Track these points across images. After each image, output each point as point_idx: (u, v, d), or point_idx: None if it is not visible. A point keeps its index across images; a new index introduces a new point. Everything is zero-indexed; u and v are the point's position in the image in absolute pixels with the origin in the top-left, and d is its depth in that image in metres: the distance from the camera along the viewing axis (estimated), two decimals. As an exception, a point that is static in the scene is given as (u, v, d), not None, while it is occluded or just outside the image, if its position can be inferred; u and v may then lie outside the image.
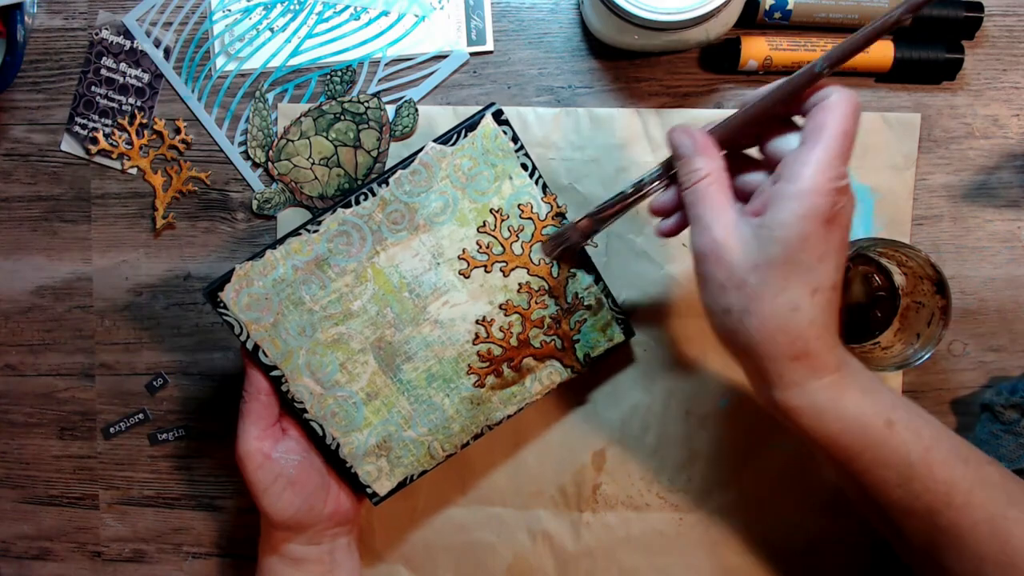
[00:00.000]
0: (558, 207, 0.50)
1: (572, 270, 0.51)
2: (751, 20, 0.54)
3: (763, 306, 0.38)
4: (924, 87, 0.56)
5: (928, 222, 0.56)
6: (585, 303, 0.51)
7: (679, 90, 0.56)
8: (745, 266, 0.38)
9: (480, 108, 0.50)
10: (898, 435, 0.40)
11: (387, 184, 0.49)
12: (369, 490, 0.52)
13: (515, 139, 0.49)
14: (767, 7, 0.54)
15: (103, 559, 0.60)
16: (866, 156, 0.56)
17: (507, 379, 0.52)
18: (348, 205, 0.49)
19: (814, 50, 0.54)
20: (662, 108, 0.56)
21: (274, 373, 0.50)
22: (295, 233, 0.49)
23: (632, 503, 0.58)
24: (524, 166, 0.50)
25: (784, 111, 0.41)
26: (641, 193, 0.45)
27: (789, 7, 0.54)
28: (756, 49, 0.54)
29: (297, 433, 0.51)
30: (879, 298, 0.55)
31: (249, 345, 0.49)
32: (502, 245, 0.50)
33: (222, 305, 0.49)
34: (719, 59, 0.56)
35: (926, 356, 0.50)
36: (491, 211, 0.50)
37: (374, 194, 0.49)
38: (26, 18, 0.55)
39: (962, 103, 0.56)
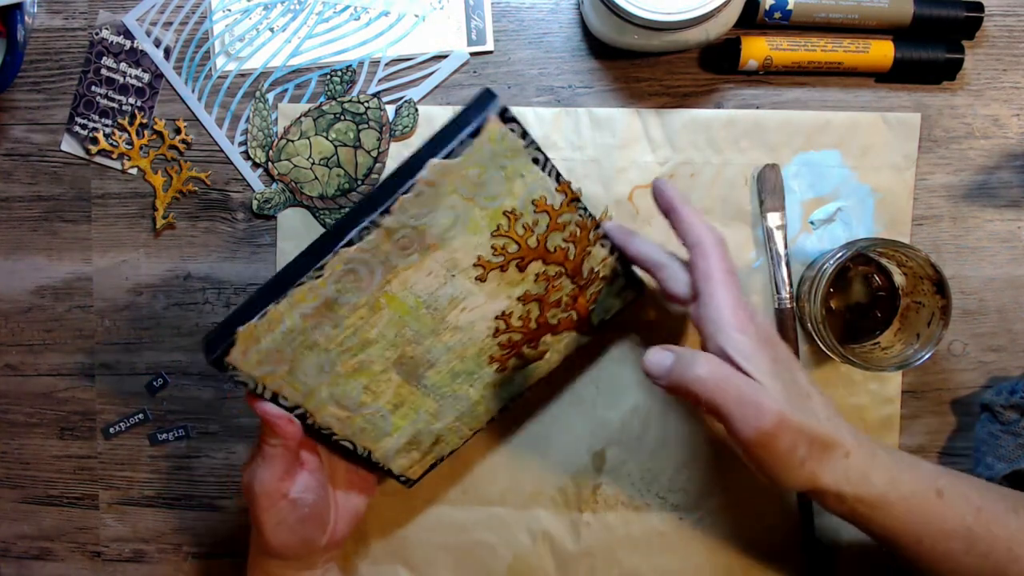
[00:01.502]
0: (573, 192, 0.47)
1: (588, 248, 0.49)
2: (751, 20, 0.54)
3: (811, 410, 0.42)
4: (924, 87, 0.56)
5: (928, 222, 0.56)
6: (600, 275, 0.51)
7: (679, 90, 0.56)
8: (788, 407, 0.41)
9: (475, 99, 0.44)
10: (951, 502, 0.43)
11: (390, 213, 0.43)
12: (403, 478, 0.53)
13: (524, 135, 0.44)
14: (767, 7, 0.54)
15: (103, 559, 0.60)
16: (866, 156, 0.56)
17: (528, 357, 0.51)
18: (350, 243, 0.43)
19: (814, 50, 0.54)
20: (662, 108, 0.56)
21: (297, 411, 0.47)
22: (296, 283, 0.44)
23: (632, 503, 0.58)
24: (535, 160, 0.45)
25: None
26: None
27: (789, 7, 0.54)
28: (756, 49, 0.54)
29: (313, 466, 0.49)
30: (879, 298, 0.55)
31: (266, 396, 0.46)
32: (517, 243, 0.47)
33: (231, 368, 0.44)
34: (719, 59, 0.56)
35: (926, 356, 0.50)
36: (504, 213, 0.46)
37: (377, 226, 0.43)
38: (26, 18, 0.55)
39: (962, 103, 0.56)
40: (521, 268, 0.48)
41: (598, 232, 0.49)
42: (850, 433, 0.43)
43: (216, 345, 0.44)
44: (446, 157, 0.43)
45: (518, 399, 0.53)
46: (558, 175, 0.47)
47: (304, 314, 0.44)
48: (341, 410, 0.48)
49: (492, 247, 0.47)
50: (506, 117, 0.44)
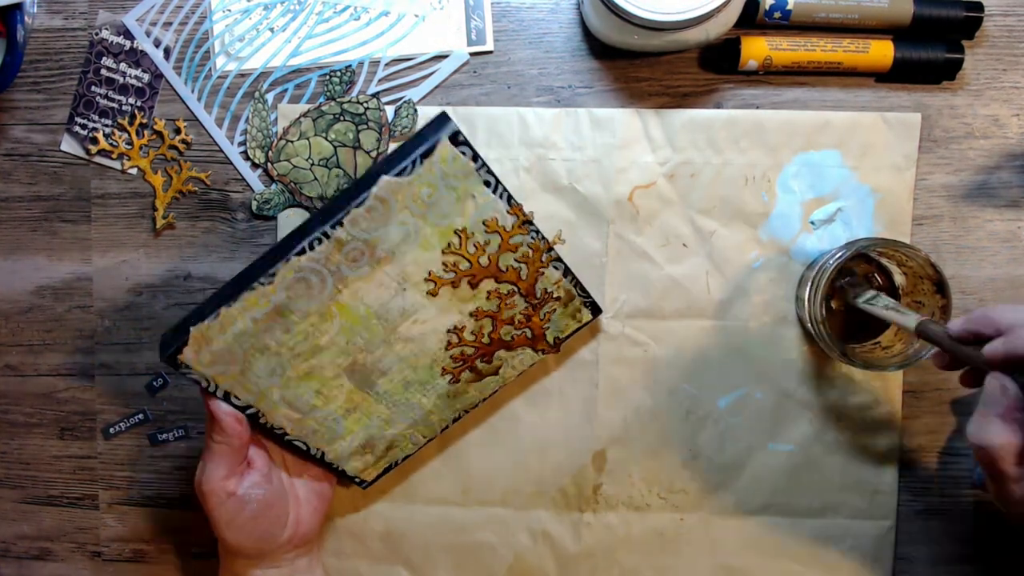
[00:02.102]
0: (524, 215, 0.49)
1: (541, 269, 0.51)
2: (751, 20, 0.54)
3: None
4: (924, 87, 0.56)
5: (928, 222, 0.56)
6: (554, 296, 0.52)
7: (679, 90, 0.56)
8: None
9: (431, 121, 0.46)
10: None
11: (341, 225, 0.45)
12: (357, 479, 0.54)
13: (475, 158, 0.46)
14: (767, 7, 0.54)
15: (103, 559, 0.60)
16: (866, 156, 0.56)
17: (482, 371, 0.53)
18: (301, 252, 0.46)
19: (814, 50, 0.54)
20: (662, 108, 0.56)
21: (250, 411, 0.49)
22: (248, 288, 0.46)
23: (633, 503, 0.58)
24: (486, 183, 0.47)
25: None
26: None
27: (789, 7, 0.54)
28: (756, 49, 0.54)
29: (262, 464, 0.50)
30: (879, 298, 0.55)
31: (219, 394, 0.48)
32: (469, 261, 0.49)
33: (184, 367, 0.47)
34: (719, 59, 0.56)
35: (926, 356, 0.50)
36: (455, 232, 0.48)
37: (328, 237, 0.46)
38: (26, 18, 0.55)
39: (962, 103, 0.56)
40: (473, 285, 0.50)
41: (551, 254, 0.51)
42: None
43: (170, 344, 0.46)
44: (398, 175, 0.45)
45: (472, 409, 0.54)
46: (510, 198, 0.48)
47: (255, 318, 0.46)
48: (293, 412, 0.50)
49: (443, 264, 0.48)
50: (457, 140, 0.45)
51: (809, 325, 0.53)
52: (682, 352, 0.57)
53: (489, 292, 0.50)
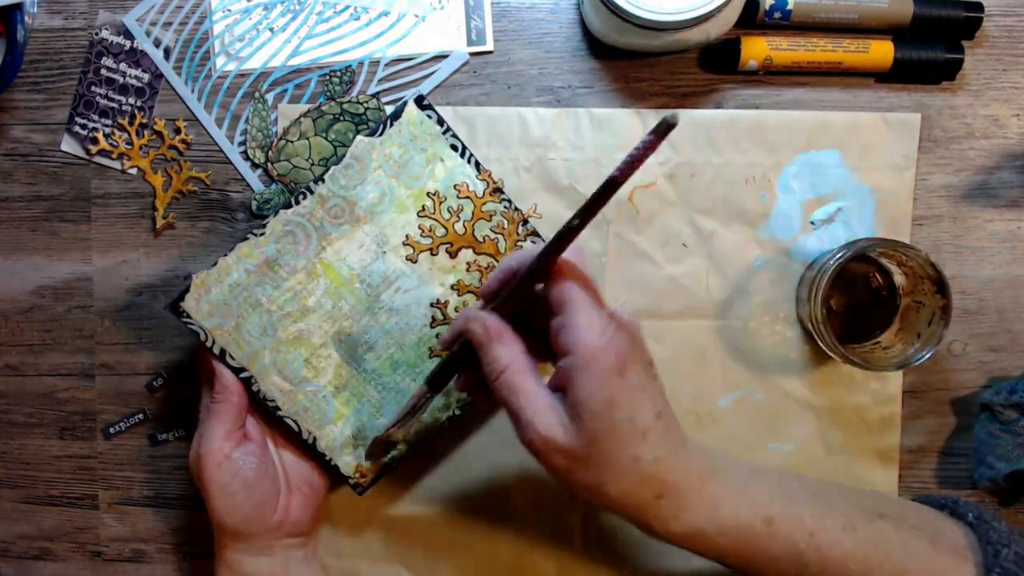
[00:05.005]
0: (494, 182, 0.52)
1: (518, 243, 0.52)
2: (751, 20, 0.54)
3: (611, 472, 0.40)
4: (924, 87, 0.56)
5: (928, 222, 0.56)
6: None
7: (679, 90, 0.56)
8: (579, 446, 0.39)
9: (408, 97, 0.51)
10: (780, 530, 0.42)
11: (323, 181, 0.51)
12: (352, 481, 0.53)
13: (440, 122, 0.51)
14: (767, 7, 0.54)
15: (103, 559, 0.60)
16: (866, 156, 0.56)
17: None
18: (289, 206, 0.51)
19: (814, 50, 0.54)
20: (662, 108, 0.56)
21: (244, 375, 0.51)
22: (244, 239, 0.51)
23: (632, 503, 0.57)
24: (454, 147, 0.51)
25: (539, 282, 0.43)
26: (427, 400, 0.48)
27: (789, 7, 0.54)
28: (756, 49, 0.54)
29: (257, 437, 0.52)
30: (879, 298, 0.55)
31: (216, 350, 0.51)
32: (444, 227, 0.52)
33: (185, 315, 0.51)
34: (719, 59, 0.56)
35: (926, 356, 0.50)
36: (428, 195, 0.52)
37: (312, 192, 0.51)
38: (26, 18, 0.55)
39: (962, 103, 0.56)
40: (452, 255, 0.52)
41: (527, 227, 0.52)
42: (682, 473, 0.41)
43: (176, 294, 0.51)
44: (370, 135, 0.51)
45: (467, 408, 0.53)
46: (478, 163, 0.52)
47: (248, 269, 0.51)
48: (284, 381, 0.52)
49: (419, 227, 0.52)
50: (422, 104, 0.51)
51: (809, 325, 0.53)
52: (682, 352, 0.57)
53: (469, 263, 0.52)
